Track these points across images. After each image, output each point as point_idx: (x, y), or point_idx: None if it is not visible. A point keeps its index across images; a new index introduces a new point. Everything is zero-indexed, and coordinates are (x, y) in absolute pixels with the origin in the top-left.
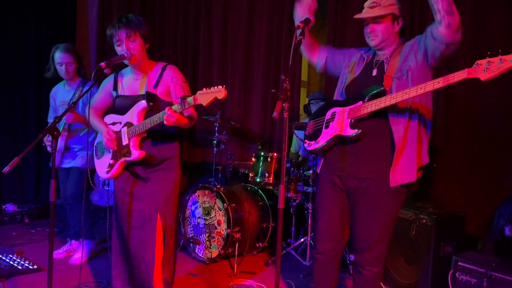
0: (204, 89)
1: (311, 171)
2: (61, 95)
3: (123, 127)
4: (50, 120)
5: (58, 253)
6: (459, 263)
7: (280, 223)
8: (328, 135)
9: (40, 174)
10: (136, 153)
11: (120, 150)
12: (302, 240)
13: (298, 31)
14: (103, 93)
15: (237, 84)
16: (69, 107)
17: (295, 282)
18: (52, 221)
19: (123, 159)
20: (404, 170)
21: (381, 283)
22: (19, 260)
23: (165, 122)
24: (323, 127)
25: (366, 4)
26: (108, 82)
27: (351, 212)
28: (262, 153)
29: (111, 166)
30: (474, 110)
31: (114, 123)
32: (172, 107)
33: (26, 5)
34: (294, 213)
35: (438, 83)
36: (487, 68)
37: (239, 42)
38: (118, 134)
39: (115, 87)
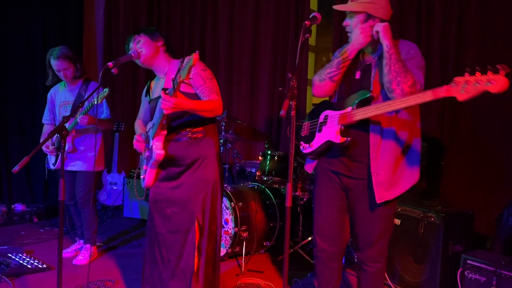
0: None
1: None
2: (62, 95)
3: (151, 130)
4: (45, 121)
5: (67, 252)
6: (468, 262)
7: (287, 221)
8: (321, 140)
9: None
10: (155, 154)
11: (149, 154)
12: (309, 238)
13: (305, 29)
14: (143, 103)
15: (244, 83)
16: (77, 108)
17: (302, 280)
18: (61, 220)
19: (150, 162)
20: (386, 185)
21: (389, 282)
22: (28, 259)
23: (164, 111)
24: (317, 131)
25: None
26: (144, 91)
27: (350, 210)
28: (269, 152)
29: (145, 172)
30: (483, 106)
31: (149, 129)
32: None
33: (33, 5)
34: (301, 211)
35: (419, 98)
36: (464, 88)
37: (246, 40)
38: (148, 138)
39: (147, 93)
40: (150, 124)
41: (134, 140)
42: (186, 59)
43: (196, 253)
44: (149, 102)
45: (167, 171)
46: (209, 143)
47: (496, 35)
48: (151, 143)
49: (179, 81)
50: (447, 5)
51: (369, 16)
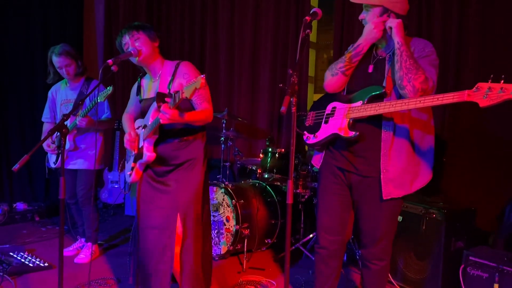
0: (188, 82)
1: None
2: (63, 94)
3: (141, 129)
4: (45, 119)
5: (68, 251)
6: (470, 258)
7: (289, 218)
8: (327, 132)
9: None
10: (146, 155)
11: (139, 153)
12: (311, 236)
13: (305, 25)
14: (132, 99)
15: (244, 81)
16: (77, 106)
17: (304, 277)
18: (62, 218)
19: (139, 162)
20: (395, 182)
21: (391, 279)
22: (30, 258)
23: (160, 121)
24: (323, 122)
25: None
26: (134, 88)
27: (355, 207)
28: (270, 149)
29: (132, 169)
30: None
31: (138, 127)
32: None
33: (33, 5)
34: (302, 209)
35: (437, 99)
36: (487, 94)
37: (246, 40)
38: (139, 137)
39: (138, 92)
40: (140, 122)
41: (125, 139)
42: (190, 81)
43: (177, 258)
44: (140, 102)
45: (154, 169)
46: (198, 147)
47: (496, 35)
48: (141, 143)
49: (181, 97)
50: (447, 5)
51: (385, 10)
